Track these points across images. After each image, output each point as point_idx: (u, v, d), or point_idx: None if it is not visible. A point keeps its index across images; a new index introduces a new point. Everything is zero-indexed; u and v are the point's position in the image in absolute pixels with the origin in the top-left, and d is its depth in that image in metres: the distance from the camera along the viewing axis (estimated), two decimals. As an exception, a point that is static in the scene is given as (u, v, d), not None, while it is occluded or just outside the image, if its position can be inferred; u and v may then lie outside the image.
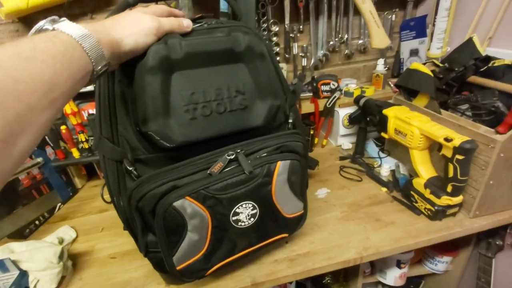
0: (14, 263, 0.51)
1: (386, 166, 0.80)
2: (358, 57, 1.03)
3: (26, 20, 0.80)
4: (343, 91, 0.96)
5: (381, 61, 0.94)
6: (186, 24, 0.39)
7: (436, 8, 0.85)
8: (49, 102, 0.24)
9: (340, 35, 0.96)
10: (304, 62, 0.97)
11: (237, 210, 0.44)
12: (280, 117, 0.53)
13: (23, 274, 0.52)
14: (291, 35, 0.92)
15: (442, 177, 0.60)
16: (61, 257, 0.56)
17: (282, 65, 0.93)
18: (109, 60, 0.31)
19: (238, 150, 0.44)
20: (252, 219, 0.46)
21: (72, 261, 0.60)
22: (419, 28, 0.93)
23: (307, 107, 0.94)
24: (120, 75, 0.41)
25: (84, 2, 0.82)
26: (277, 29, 0.89)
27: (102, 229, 0.71)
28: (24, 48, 0.23)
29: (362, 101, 0.82)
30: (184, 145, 0.41)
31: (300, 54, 0.96)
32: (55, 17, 0.29)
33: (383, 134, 0.75)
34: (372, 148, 0.91)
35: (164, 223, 0.40)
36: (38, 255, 0.54)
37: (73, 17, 0.83)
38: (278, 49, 0.93)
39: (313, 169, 0.75)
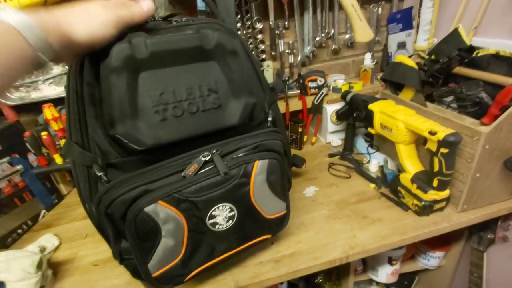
0: (-11, 275, 0.50)
1: (375, 162, 0.78)
2: (346, 52, 1.01)
3: None
4: (331, 87, 0.94)
5: (368, 56, 0.93)
6: (147, 8, 0.37)
7: (421, -1, 0.83)
8: None
9: (326, 31, 0.94)
10: (291, 59, 0.96)
11: (213, 213, 0.42)
12: (260, 115, 0.51)
13: (0, 286, 0.50)
14: (276, 32, 0.91)
15: (429, 171, 0.59)
16: (39, 266, 0.54)
17: (269, 63, 0.91)
18: (59, 50, 0.30)
19: (214, 151, 0.43)
20: (230, 221, 0.44)
21: (52, 270, 0.59)
22: (405, 20, 0.91)
23: (295, 104, 0.93)
24: (89, 76, 0.40)
25: None
26: (261, 26, 0.87)
27: (85, 236, 0.69)
28: None
29: (348, 97, 0.81)
30: (155, 148, 0.39)
31: (287, 51, 0.95)
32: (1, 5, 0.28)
33: (369, 129, 0.73)
34: (361, 144, 0.90)
35: (135, 229, 0.38)
36: (15, 265, 0.52)
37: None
38: (263, 47, 0.91)
39: (300, 167, 0.74)
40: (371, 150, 0.85)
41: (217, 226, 0.44)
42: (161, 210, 0.39)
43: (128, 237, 0.39)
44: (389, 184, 0.70)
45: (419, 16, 0.85)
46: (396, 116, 0.63)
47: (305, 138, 0.96)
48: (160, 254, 0.41)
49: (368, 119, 0.72)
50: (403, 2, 0.99)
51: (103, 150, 0.41)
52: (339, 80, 0.95)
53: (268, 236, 0.52)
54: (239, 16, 0.84)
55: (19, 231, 0.70)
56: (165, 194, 0.38)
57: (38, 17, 0.28)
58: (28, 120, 0.87)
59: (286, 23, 0.90)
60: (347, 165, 0.83)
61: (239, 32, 0.88)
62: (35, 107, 0.81)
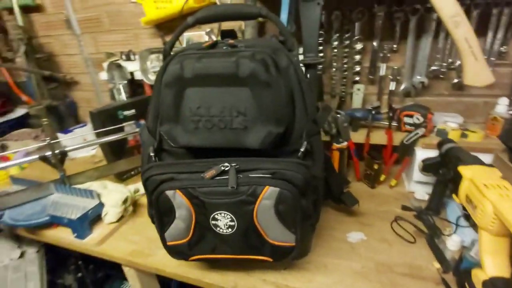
0: (98, 195, 0.76)
1: (458, 240, 0.61)
2: (477, 90, 0.79)
3: (158, 26, 1.09)
4: (435, 129, 0.77)
5: (504, 101, 0.69)
6: None
7: None
8: None
9: (450, 60, 0.76)
10: (392, 86, 0.84)
11: (216, 216, 0.48)
12: (297, 143, 0.51)
13: (101, 205, 0.75)
14: (380, 54, 0.81)
15: None
16: (125, 202, 0.77)
17: (360, 86, 0.83)
18: None
19: (233, 164, 0.48)
20: (230, 229, 0.49)
21: (134, 207, 0.81)
22: None
23: (379, 137, 0.82)
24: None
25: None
26: (361, 46, 0.81)
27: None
28: None
29: (445, 147, 0.65)
30: (186, 148, 0.48)
31: (389, 76, 0.83)
32: None
33: (454, 196, 0.57)
34: (453, 210, 0.70)
35: (157, 204, 0.49)
36: (112, 195, 0.76)
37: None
38: (358, 68, 0.84)
39: (349, 207, 0.68)
40: (462, 223, 0.66)
41: (218, 228, 0.49)
42: (178, 197, 0.48)
43: (153, 207, 0.50)
44: (458, 274, 0.54)
45: None
46: (486, 192, 0.47)
47: (382, 177, 0.83)
48: (173, 230, 0.51)
49: (454, 182, 0.56)
50: None
51: (160, 139, 0.53)
52: (451, 123, 0.76)
53: (269, 259, 0.53)
54: (337, 35, 0.81)
55: (132, 172, 0.99)
56: (182, 186, 0.47)
57: None
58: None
59: (395, 45, 0.79)
60: (418, 227, 0.68)
61: (334, 51, 0.85)
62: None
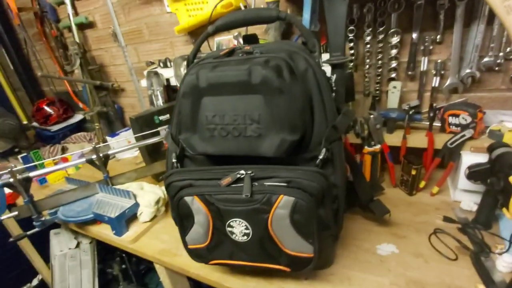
0: (134, 196, 0.82)
1: (510, 260, 0.53)
2: (544, 84, 0.67)
3: (191, 33, 1.13)
4: (488, 130, 0.68)
5: None
6: None
7: None
8: None
9: (508, 49, 0.66)
10: (435, 81, 0.75)
11: (232, 224, 0.48)
12: (316, 149, 0.49)
13: (136, 205, 0.81)
14: (421, 47, 0.73)
15: None
16: (157, 202, 0.82)
17: (396, 84, 0.76)
18: None
19: (249, 172, 0.47)
20: (245, 237, 0.49)
21: (166, 208, 0.86)
22: None
23: (419, 140, 0.75)
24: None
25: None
26: (398, 40, 0.74)
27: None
28: None
29: (496, 152, 0.56)
30: (203, 155, 0.49)
31: (432, 71, 0.75)
32: None
33: (504, 210, 0.49)
34: (507, 225, 0.61)
35: (177, 209, 0.51)
36: (146, 196, 0.82)
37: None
38: (395, 64, 0.77)
39: (379, 217, 0.63)
40: (519, 240, 0.57)
41: (234, 236, 0.49)
42: (196, 203, 0.49)
43: (174, 211, 0.53)
44: (508, 301, 0.47)
45: None
46: (542, 210, 0.39)
47: (422, 183, 0.76)
48: (193, 234, 0.53)
49: (505, 194, 0.49)
50: None
51: (182, 146, 0.56)
52: (508, 123, 0.66)
53: (286, 269, 0.51)
54: (370, 29, 0.75)
55: (167, 174, 1.05)
56: (199, 193, 0.48)
57: None
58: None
59: (439, 36, 0.71)
60: (462, 242, 0.60)
61: (367, 47, 0.79)
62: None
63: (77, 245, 1.22)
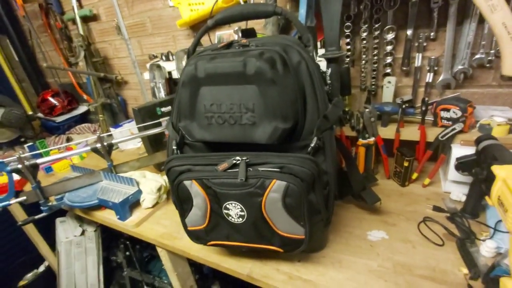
0: (137, 183, 0.85)
1: (493, 245, 0.56)
2: (532, 80, 0.69)
3: (192, 27, 1.15)
4: (478, 124, 0.70)
5: (563, 92, 0.59)
6: None
7: None
8: None
9: (498, 48, 0.68)
10: (429, 77, 0.77)
11: (228, 206, 0.51)
12: (308, 138, 0.52)
13: (139, 191, 0.85)
14: (416, 43, 0.76)
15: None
16: (159, 190, 0.85)
17: (390, 79, 0.79)
18: None
19: (244, 158, 0.50)
20: (240, 219, 0.52)
21: (167, 195, 0.89)
22: None
23: (411, 133, 0.77)
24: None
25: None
26: (393, 36, 0.76)
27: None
28: None
29: (483, 144, 0.58)
30: (201, 142, 0.52)
31: (426, 67, 0.77)
32: None
33: (487, 198, 0.52)
34: (493, 213, 0.63)
35: (177, 192, 0.54)
36: (148, 183, 0.85)
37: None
38: (390, 60, 0.79)
39: (370, 205, 0.66)
40: (502, 228, 0.59)
41: (230, 218, 0.53)
42: (194, 187, 0.52)
43: (174, 195, 0.56)
44: (488, 281, 0.49)
45: None
46: (517, 195, 0.42)
47: (414, 175, 0.78)
48: (191, 216, 0.56)
49: (487, 183, 0.51)
50: None
51: (182, 134, 0.59)
52: (497, 118, 0.68)
53: (279, 249, 0.55)
54: (366, 25, 0.77)
55: (169, 164, 1.09)
56: (197, 177, 0.52)
57: None
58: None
59: (432, 33, 0.73)
60: (449, 230, 0.63)
61: (363, 42, 0.81)
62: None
63: (82, 233, 1.26)
